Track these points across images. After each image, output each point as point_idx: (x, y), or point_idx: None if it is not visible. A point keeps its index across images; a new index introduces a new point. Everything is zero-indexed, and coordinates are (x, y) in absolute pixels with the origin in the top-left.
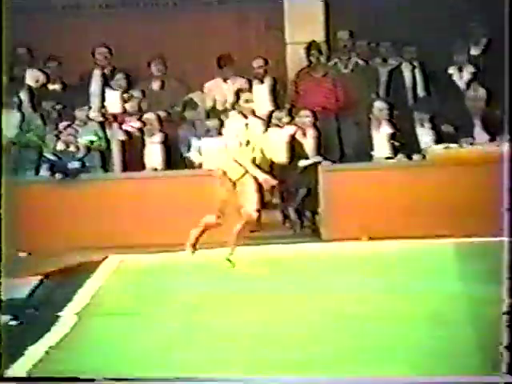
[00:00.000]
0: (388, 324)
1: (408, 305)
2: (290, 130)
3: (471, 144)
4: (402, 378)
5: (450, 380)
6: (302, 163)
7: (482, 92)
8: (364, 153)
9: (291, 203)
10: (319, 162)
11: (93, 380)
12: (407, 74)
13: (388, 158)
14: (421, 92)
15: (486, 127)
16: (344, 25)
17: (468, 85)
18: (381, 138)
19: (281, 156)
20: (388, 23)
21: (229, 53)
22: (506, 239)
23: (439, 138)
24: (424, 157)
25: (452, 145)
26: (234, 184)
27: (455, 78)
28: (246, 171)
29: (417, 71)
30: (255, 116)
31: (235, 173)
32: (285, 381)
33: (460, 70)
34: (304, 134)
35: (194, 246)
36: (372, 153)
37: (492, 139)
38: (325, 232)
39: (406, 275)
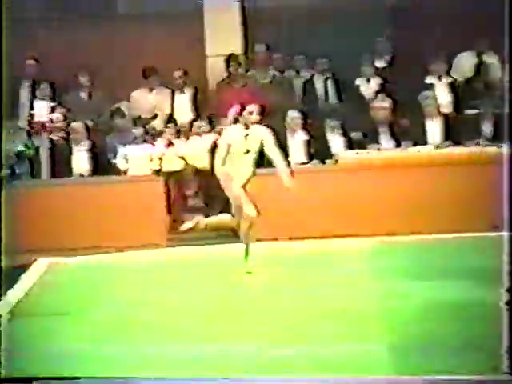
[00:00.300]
0: (298, 321)
1: (319, 303)
2: (211, 137)
3: (378, 150)
4: (402, 378)
5: (450, 380)
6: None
7: (388, 102)
8: None
9: (214, 207)
10: None
11: (95, 378)
12: (319, 85)
13: (303, 163)
14: (332, 101)
15: (392, 134)
16: (261, 38)
17: (375, 95)
18: (296, 144)
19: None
20: (301, 37)
21: (153, 64)
22: (413, 237)
23: (349, 144)
24: (336, 162)
25: (361, 150)
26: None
27: (363, 88)
28: (250, 177)
29: (329, 82)
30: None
31: (240, 179)
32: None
33: (368, 81)
34: None
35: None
36: (288, 158)
37: (397, 145)
38: None
39: (323, 273)
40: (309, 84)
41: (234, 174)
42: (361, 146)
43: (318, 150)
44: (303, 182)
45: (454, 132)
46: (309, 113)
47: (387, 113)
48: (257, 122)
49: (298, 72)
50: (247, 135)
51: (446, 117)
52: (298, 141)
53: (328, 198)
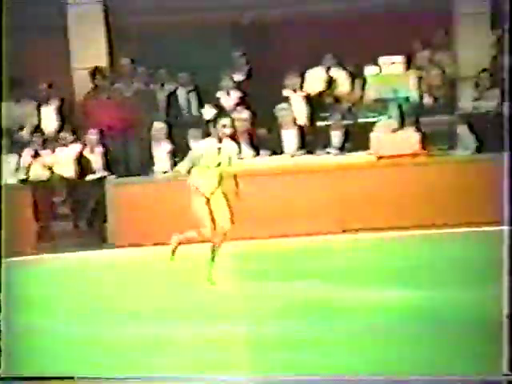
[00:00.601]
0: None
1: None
2: (76, 147)
3: (240, 159)
4: (402, 378)
5: (451, 380)
6: (90, 177)
7: (247, 113)
8: (146, 167)
9: (81, 214)
10: (105, 176)
11: (96, 378)
12: (183, 97)
13: (166, 172)
14: (195, 112)
15: (252, 144)
16: (126, 52)
17: (235, 107)
18: (161, 154)
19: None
20: (165, 52)
21: (21, 77)
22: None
23: None
24: None
25: None
26: (208, 199)
27: (223, 100)
28: (216, 188)
29: (191, 94)
30: (232, 140)
31: (208, 189)
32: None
33: (228, 93)
34: (92, 151)
35: (173, 251)
36: (153, 167)
37: (257, 154)
38: (112, 239)
39: (195, 276)
40: (172, 96)
41: (201, 187)
42: None
43: (182, 160)
44: (166, 190)
45: (308, 142)
46: (173, 124)
47: (246, 124)
48: (229, 136)
49: (162, 85)
50: (220, 149)
51: (300, 128)
52: (162, 150)
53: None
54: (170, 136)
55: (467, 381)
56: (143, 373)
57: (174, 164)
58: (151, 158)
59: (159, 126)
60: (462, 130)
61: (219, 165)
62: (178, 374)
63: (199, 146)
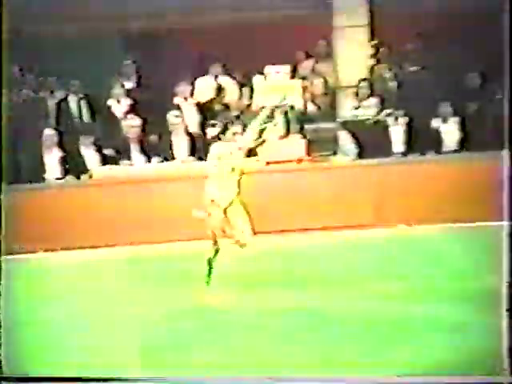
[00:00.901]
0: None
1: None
2: None
3: (130, 165)
4: (402, 378)
5: (452, 380)
6: None
7: (138, 120)
8: (38, 175)
9: None
10: None
11: (93, 380)
12: (73, 104)
13: (58, 178)
14: (86, 120)
15: (143, 150)
16: (14, 59)
17: (125, 114)
18: (52, 161)
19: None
20: (54, 59)
21: None
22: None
23: (104, 160)
24: (90, 177)
25: (114, 166)
26: (224, 211)
27: (114, 108)
28: (234, 199)
29: (82, 102)
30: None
31: (224, 200)
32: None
33: (118, 101)
34: None
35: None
36: (44, 175)
37: (148, 160)
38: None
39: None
40: (64, 104)
41: (218, 197)
42: (114, 161)
43: (74, 166)
44: (60, 197)
45: (198, 148)
46: (64, 131)
47: (137, 130)
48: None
49: (51, 92)
50: (231, 153)
51: (191, 135)
52: (53, 158)
53: (82, 211)
54: (60, 143)
55: (468, 382)
56: None
57: (65, 171)
58: (42, 165)
59: (50, 133)
60: (343, 136)
61: (233, 170)
62: None
63: (214, 149)
